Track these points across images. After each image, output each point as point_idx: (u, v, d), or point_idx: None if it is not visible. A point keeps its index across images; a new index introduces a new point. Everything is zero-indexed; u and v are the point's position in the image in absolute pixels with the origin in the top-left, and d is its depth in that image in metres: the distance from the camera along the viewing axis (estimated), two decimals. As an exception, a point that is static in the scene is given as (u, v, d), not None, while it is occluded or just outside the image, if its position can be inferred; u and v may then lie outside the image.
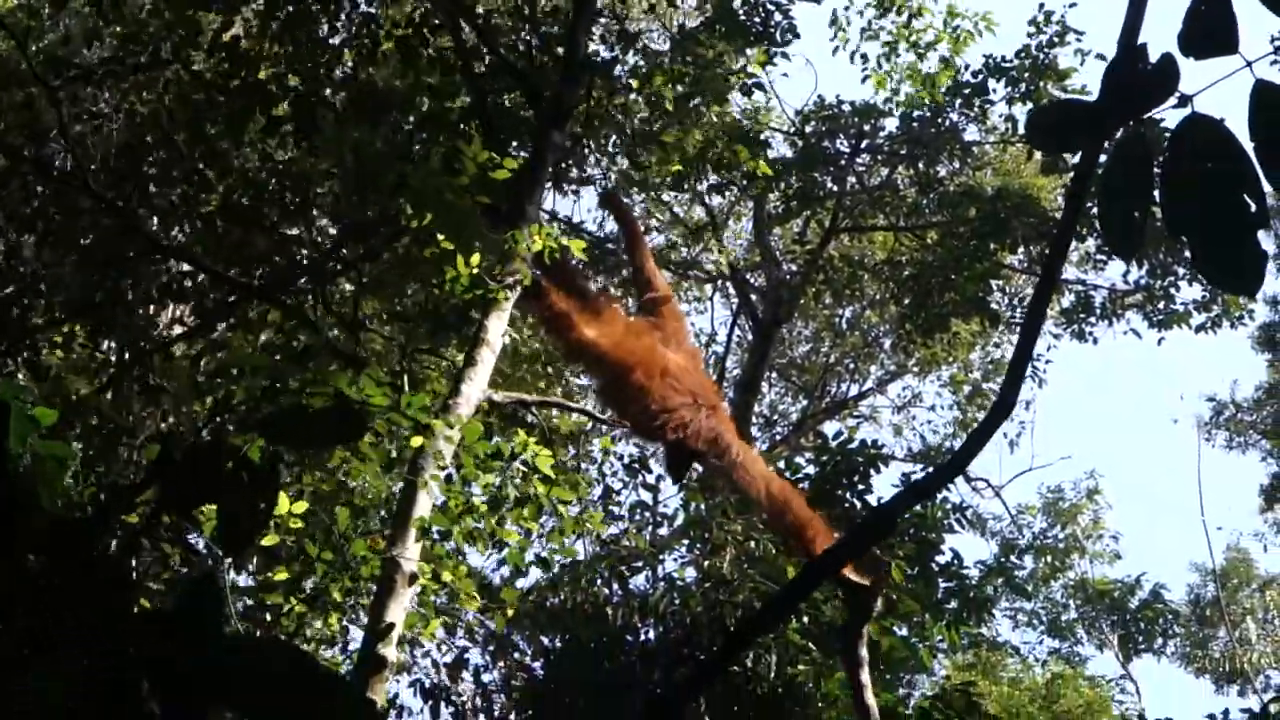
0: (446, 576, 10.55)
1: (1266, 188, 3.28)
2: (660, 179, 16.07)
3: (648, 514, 15.71)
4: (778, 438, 27.39)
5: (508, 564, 11.56)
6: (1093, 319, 23.56)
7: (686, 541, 15.48)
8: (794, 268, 23.64)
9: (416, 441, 10.04)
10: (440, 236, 9.99)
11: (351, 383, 9.71)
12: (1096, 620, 32.46)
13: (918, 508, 16.40)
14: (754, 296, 23.63)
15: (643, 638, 14.65)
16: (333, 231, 13.31)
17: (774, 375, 28.17)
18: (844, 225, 23.18)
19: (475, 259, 10.16)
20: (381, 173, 11.31)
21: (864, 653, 9.91)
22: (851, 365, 28.79)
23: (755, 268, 25.05)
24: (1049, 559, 32.24)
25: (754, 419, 24.84)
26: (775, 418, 29.06)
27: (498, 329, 11.05)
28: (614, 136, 15.21)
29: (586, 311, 10.26)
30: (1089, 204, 20.71)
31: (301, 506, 10.02)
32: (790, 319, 24.46)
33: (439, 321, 11.84)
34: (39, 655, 1.97)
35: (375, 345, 13.91)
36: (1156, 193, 3.43)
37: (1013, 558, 27.13)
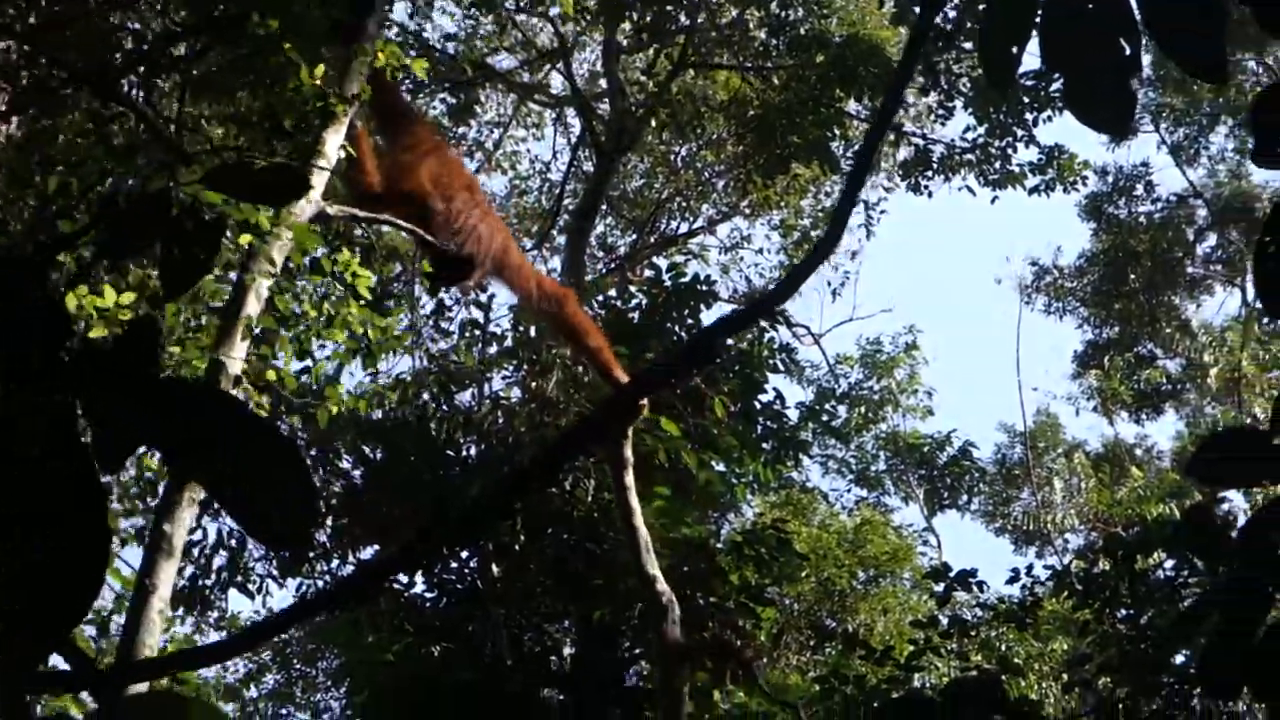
0: (270, 375, 10.58)
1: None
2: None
3: (478, 332, 15.71)
4: (602, 270, 27.45)
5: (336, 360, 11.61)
6: (929, 173, 23.79)
7: (514, 362, 15.54)
8: (640, 98, 23.51)
9: (243, 239, 9.96)
10: (286, 45, 9.89)
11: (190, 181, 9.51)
12: (904, 473, 33.24)
13: (744, 344, 16.65)
14: (596, 124, 23.48)
15: (465, 453, 14.75)
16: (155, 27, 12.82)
17: (605, 208, 28.16)
18: (692, 61, 23.12)
19: (320, 70, 10.12)
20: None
21: (628, 454, 10.18)
22: (684, 203, 28.82)
23: (599, 97, 24.93)
24: (863, 409, 32.79)
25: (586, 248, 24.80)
26: (601, 252, 29.12)
27: (334, 143, 10.95)
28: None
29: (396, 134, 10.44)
30: (936, 57, 21.02)
31: (129, 297, 9.81)
32: (632, 149, 24.41)
33: (276, 129, 11.65)
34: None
35: (201, 147, 13.59)
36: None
37: (828, 405, 27.61)
